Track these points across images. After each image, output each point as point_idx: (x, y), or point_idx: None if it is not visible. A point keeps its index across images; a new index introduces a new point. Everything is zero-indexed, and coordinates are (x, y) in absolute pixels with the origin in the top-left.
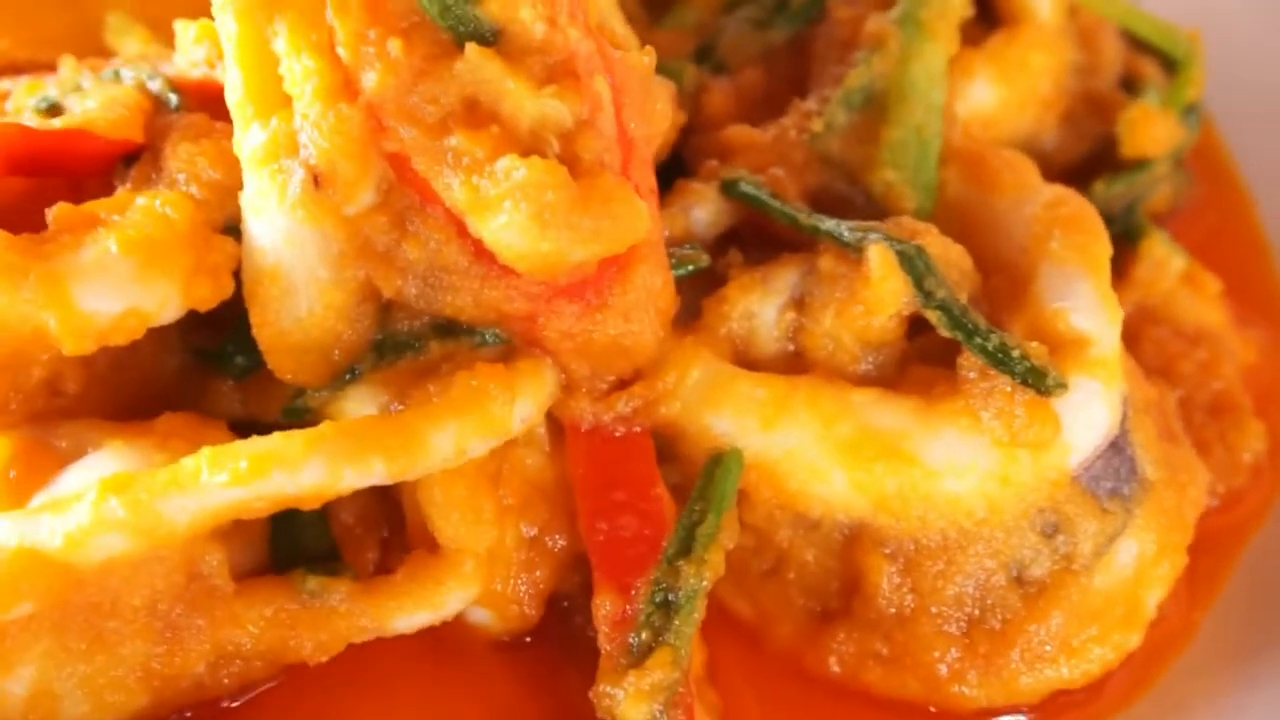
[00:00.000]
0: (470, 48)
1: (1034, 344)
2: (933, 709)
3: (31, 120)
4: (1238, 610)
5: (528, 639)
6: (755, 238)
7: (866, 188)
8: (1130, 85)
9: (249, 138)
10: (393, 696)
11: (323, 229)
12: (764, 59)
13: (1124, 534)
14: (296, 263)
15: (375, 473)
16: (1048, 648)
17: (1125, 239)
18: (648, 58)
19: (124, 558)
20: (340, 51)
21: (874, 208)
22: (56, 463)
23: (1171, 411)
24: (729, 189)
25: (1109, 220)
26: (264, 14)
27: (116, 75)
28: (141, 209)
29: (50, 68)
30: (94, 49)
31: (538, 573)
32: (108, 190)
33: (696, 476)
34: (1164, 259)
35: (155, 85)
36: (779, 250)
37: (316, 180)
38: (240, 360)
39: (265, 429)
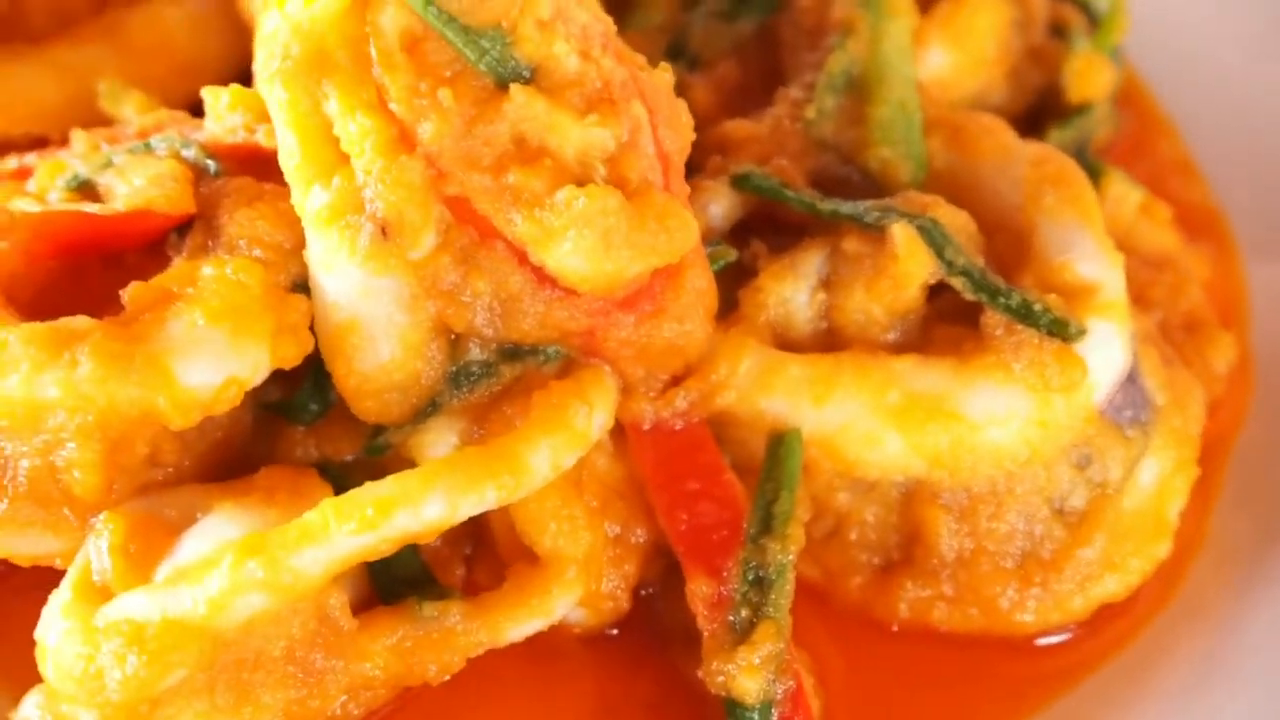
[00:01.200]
0: (515, 88)
1: (1051, 296)
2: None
3: (59, 198)
4: (1236, 508)
5: (614, 630)
6: (764, 226)
7: (862, 166)
8: (1058, 32)
9: (312, 199)
10: (497, 698)
11: (394, 276)
12: (734, 51)
13: (1144, 456)
14: (373, 312)
15: (488, 500)
16: (1093, 568)
17: None
18: (667, 74)
19: (264, 614)
20: (393, 107)
21: (871, 184)
22: (169, 532)
23: (1158, 337)
24: (742, 183)
25: None
26: (312, 79)
27: (147, 147)
28: (214, 279)
29: (50, 142)
30: (89, 118)
31: (626, 567)
32: (154, 261)
33: (747, 458)
34: (1123, 195)
35: (190, 153)
36: (785, 235)
37: (384, 231)
38: (314, 408)
39: (339, 469)
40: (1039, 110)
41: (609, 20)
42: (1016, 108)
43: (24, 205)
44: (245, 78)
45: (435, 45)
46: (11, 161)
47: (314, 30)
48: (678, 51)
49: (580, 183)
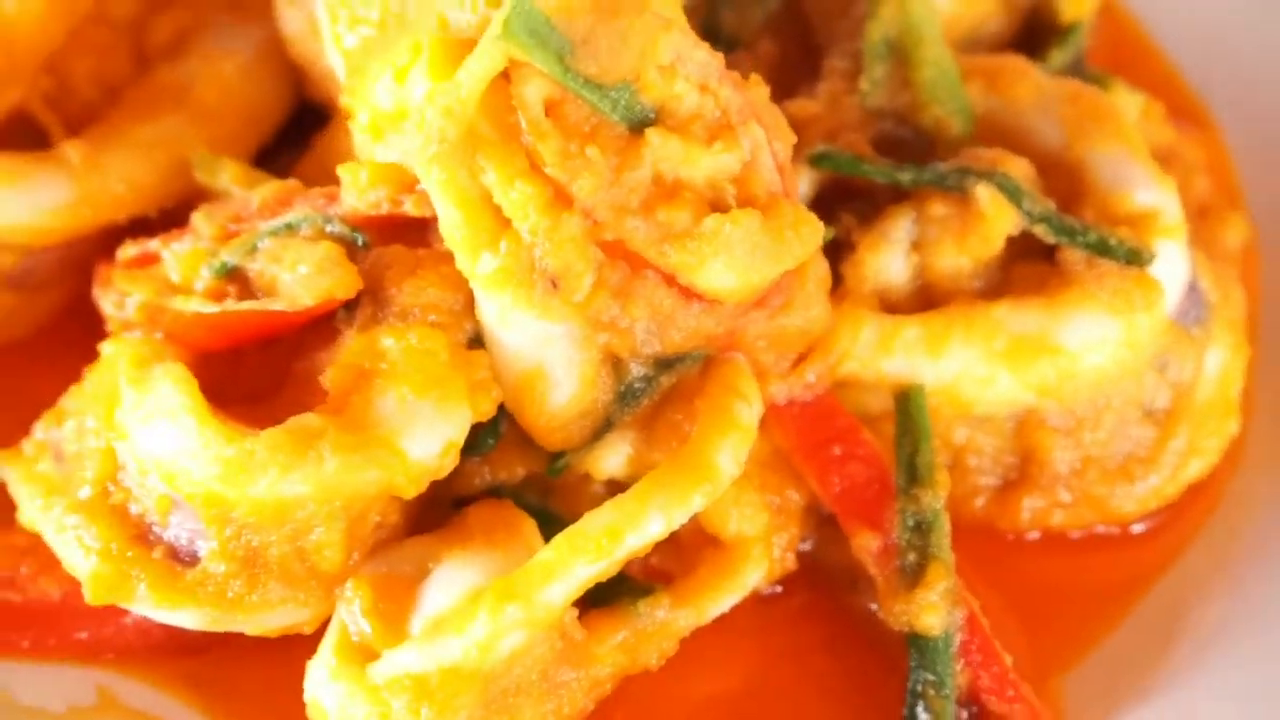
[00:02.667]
0: (650, 132)
1: (1122, 229)
2: (1101, 528)
3: (206, 286)
4: (1271, 364)
5: (779, 587)
6: (835, 195)
7: (916, 126)
8: None
9: (482, 265)
10: (692, 656)
11: (567, 321)
12: (767, 28)
13: (1207, 348)
14: (553, 357)
15: (695, 507)
16: (1180, 456)
17: None
18: (764, 88)
19: (523, 647)
20: (548, 170)
21: (926, 141)
22: (408, 586)
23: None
24: (821, 162)
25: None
26: (467, 156)
27: (289, 227)
28: (403, 350)
29: (158, 225)
30: (182, 190)
31: (791, 531)
32: (312, 334)
33: (865, 414)
34: (1128, 102)
35: (334, 229)
36: (857, 201)
37: (554, 283)
38: (490, 441)
39: (512, 490)
40: (1030, 30)
41: (719, 55)
42: (1011, 31)
43: (197, 305)
44: (301, 116)
45: (572, 105)
46: (131, 249)
47: (463, 111)
48: (713, 34)
49: (714, 205)
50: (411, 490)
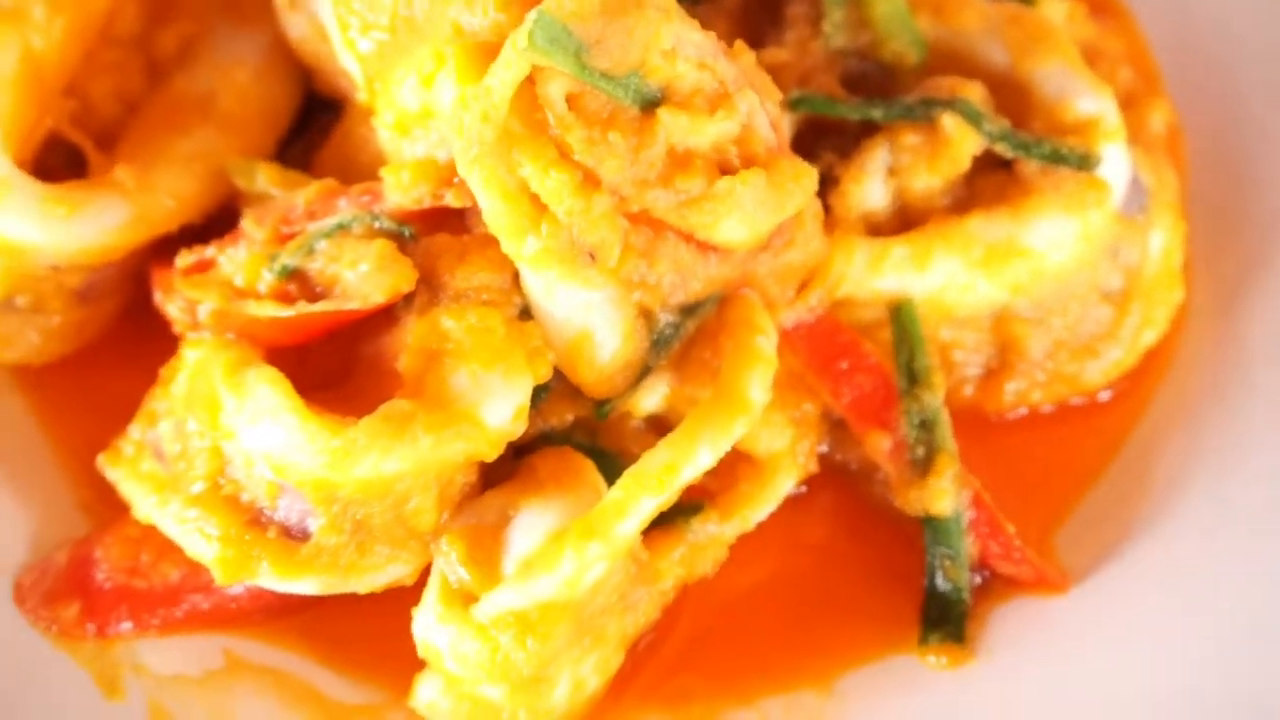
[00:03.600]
0: (662, 111)
1: (1071, 138)
2: (1074, 400)
3: (269, 288)
4: (1203, 234)
5: (804, 488)
6: (813, 133)
7: (876, 60)
8: None
9: (527, 247)
10: (735, 558)
11: (605, 287)
12: None
13: (1150, 230)
14: (596, 320)
15: (736, 436)
16: (1136, 329)
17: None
18: (749, 54)
19: (604, 576)
20: (577, 157)
21: (887, 73)
22: (493, 535)
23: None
24: (798, 105)
25: None
26: (503, 154)
27: (341, 226)
28: (465, 330)
29: (210, 232)
30: (221, 194)
31: (810, 438)
32: (380, 323)
33: (862, 326)
34: (1054, 9)
35: (382, 225)
36: (831, 137)
37: (591, 256)
38: (543, 395)
39: (562, 433)
40: None
41: (711, 33)
42: None
43: (271, 309)
44: (309, 110)
45: (590, 97)
46: (189, 258)
47: (497, 115)
48: None
49: (721, 167)
50: (493, 454)
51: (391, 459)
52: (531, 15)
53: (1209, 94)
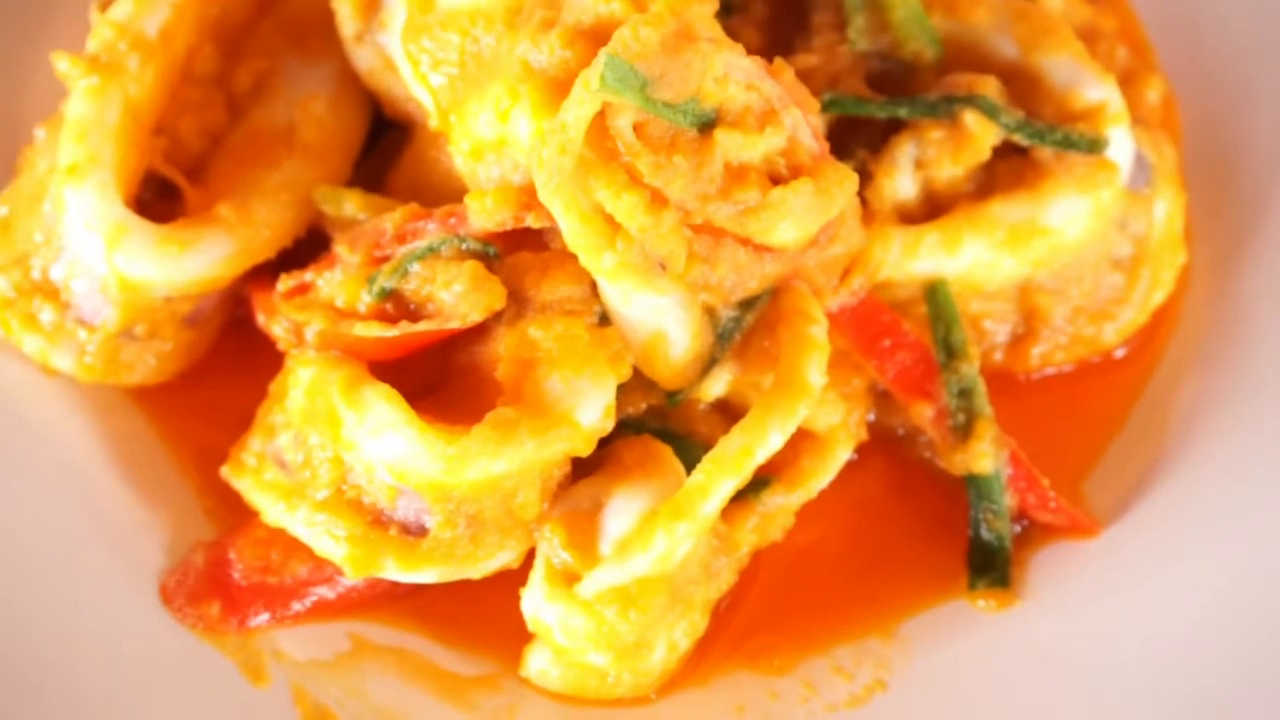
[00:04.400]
0: (719, 132)
1: (1081, 125)
2: (1093, 358)
3: (368, 308)
4: (1198, 198)
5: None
6: (844, 129)
7: (897, 60)
8: None
9: (604, 262)
10: (797, 520)
11: (675, 293)
12: None
13: (1154, 200)
14: (668, 322)
15: (800, 418)
16: (1145, 290)
17: None
18: (789, 70)
19: (691, 551)
20: (646, 180)
21: (908, 70)
22: (588, 520)
23: None
24: (830, 106)
25: None
26: (579, 183)
27: (431, 249)
28: (553, 338)
29: (304, 256)
30: (309, 219)
31: (860, 410)
32: (470, 335)
33: (900, 304)
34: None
35: (469, 246)
36: (859, 133)
37: (662, 266)
38: (619, 388)
39: (636, 420)
40: None
41: (758, 57)
42: None
43: (377, 330)
44: (375, 134)
45: (654, 124)
46: (289, 282)
47: (573, 148)
48: (725, 6)
49: (771, 177)
50: (587, 450)
51: (501, 461)
52: (602, 59)
53: (1197, 64)
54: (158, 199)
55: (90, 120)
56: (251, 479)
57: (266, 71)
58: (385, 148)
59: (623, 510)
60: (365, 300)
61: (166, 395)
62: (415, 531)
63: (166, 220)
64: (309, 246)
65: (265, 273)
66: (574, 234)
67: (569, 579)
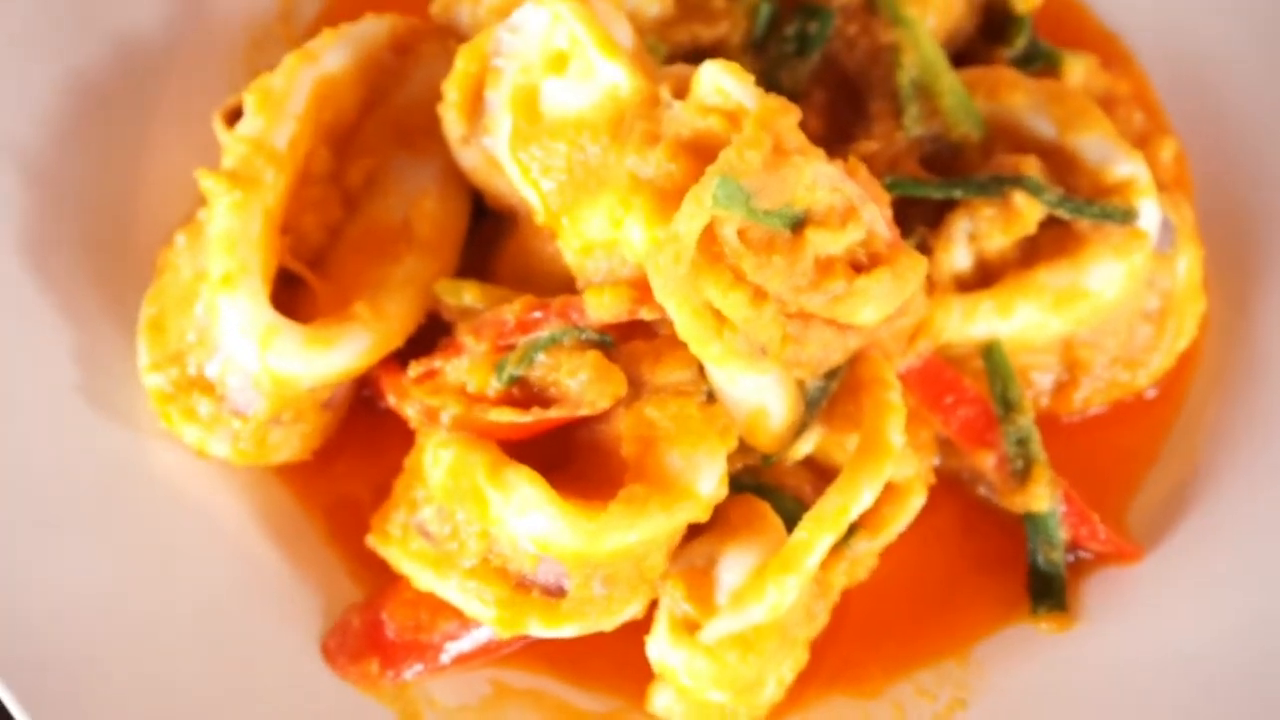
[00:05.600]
0: (810, 231)
1: (1115, 199)
2: (1128, 399)
3: (496, 392)
4: (1212, 249)
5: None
6: (903, 205)
7: (947, 141)
8: None
9: (713, 351)
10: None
11: (772, 371)
12: (814, 80)
13: (1177, 259)
14: (769, 398)
15: (886, 476)
16: (1170, 338)
17: (1048, 67)
18: (863, 167)
19: (797, 600)
20: (749, 278)
21: (956, 150)
22: (704, 574)
23: None
24: (893, 188)
25: (1030, 61)
26: (691, 284)
27: (553, 339)
28: (669, 418)
29: (415, 352)
30: (429, 309)
31: (929, 458)
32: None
33: (958, 361)
34: (1074, 65)
35: (588, 336)
36: (913, 207)
37: (764, 350)
38: None
39: (734, 478)
40: (989, 20)
41: (839, 160)
42: (975, 26)
43: (512, 415)
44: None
45: (755, 228)
46: (419, 368)
47: (686, 255)
48: (775, 89)
49: (853, 265)
50: (706, 516)
51: (635, 533)
52: (714, 180)
53: (1205, 122)
54: (282, 287)
55: (237, 232)
56: (399, 548)
57: (375, 168)
58: (485, 235)
59: (734, 566)
60: (494, 386)
61: (305, 470)
62: (555, 593)
63: (293, 308)
64: (425, 330)
65: (391, 357)
66: (686, 327)
67: (690, 627)
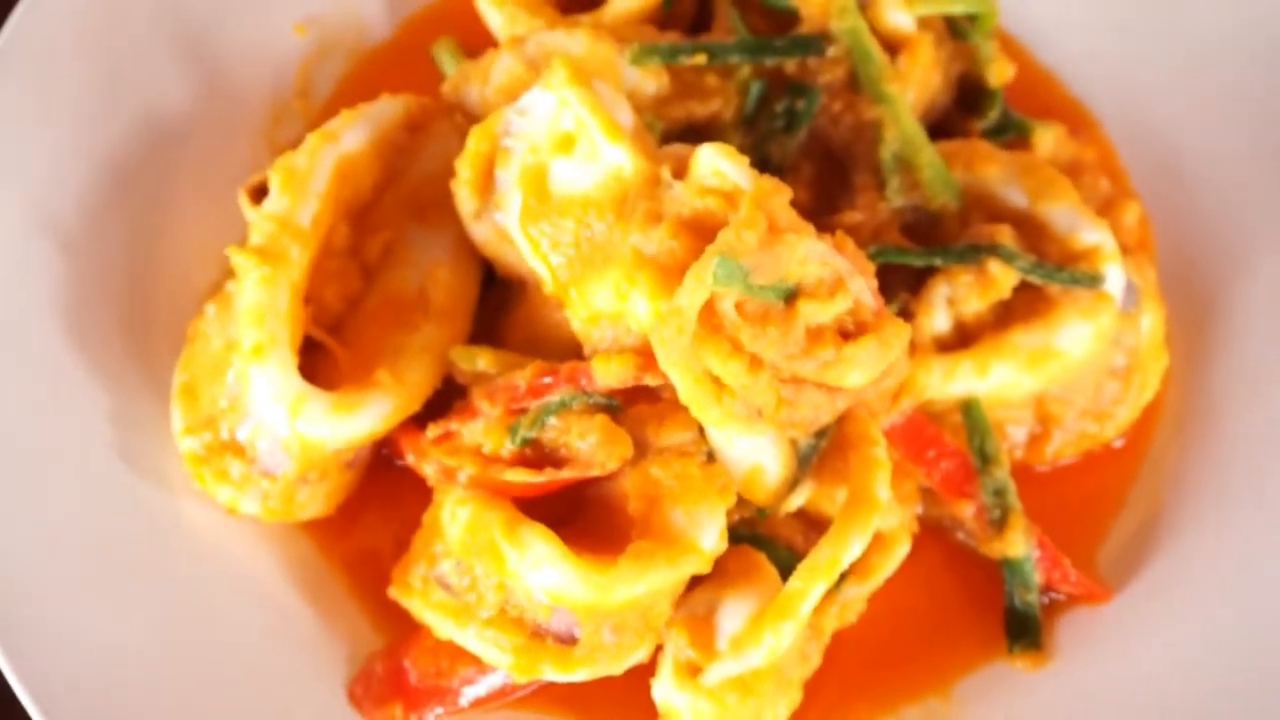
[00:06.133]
0: (801, 303)
1: (1083, 265)
2: (1096, 449)
3: (510, 453)
4: (1173, 306)
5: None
6: (887, 271)
7: (927, 211)
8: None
9: (712, 415)
10: None
11: (767, 433)
12: (802, 155)
13: (1141, 318)
14: (765, 457)
15: (873, 529)
16: (1136, 391)
17: (1020, 137)
18: (850, 240)
19: (792, 643)
20: (746, 348)
21: (936, 219)
22: (705, 621)
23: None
24: (876, 256)
25: (1003, 131)
26: (693, 357)
27: (564, 404)
28: (673, 476)
29: (430, 413)
30: (444, 373)
31: (913, 507)
32: None
33: (937, 413)
34: (1044, 135)
35: (595, 401)
36: (894, 273)
37: (759, 412)
38: None
39: (731, 532)
40: (964, 92)
41: (828, 237)
42: (951, 98)
43: (525, 476)
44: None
45: (751, 302)
46: (436, 430)
47: (688, 327)
48: (765, 163)
49: (841, 333)
50: (708, 569)
51: (642, 585)
52: (714, 259)
53: (1167, 186)
54: (305, 352)
55: (265, 305)
56: (420, 600)
57: (392, 240)
58: (495, 302)
59: (734, 613)
60: (508, 447)
61: (330, 526)
62: (568, 641)
63: (315, 372)
64: (440, 393)
65: (410, 419)
66: (688, 393)
67: (693, 671)
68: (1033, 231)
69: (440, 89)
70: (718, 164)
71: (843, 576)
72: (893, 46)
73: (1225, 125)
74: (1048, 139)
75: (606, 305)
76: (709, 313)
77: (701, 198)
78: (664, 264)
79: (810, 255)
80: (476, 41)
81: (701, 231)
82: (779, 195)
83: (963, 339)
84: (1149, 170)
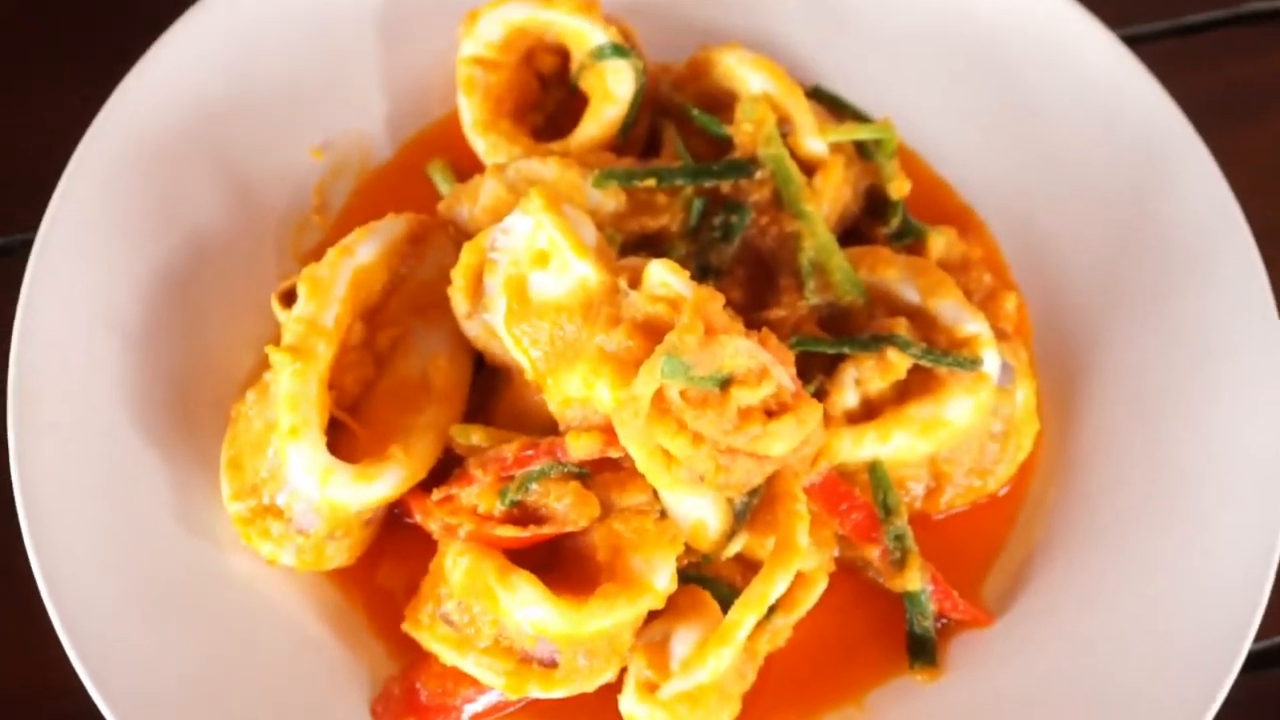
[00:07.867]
0: (734, 389)
1: (965, 350)
2: (981, 499)
3: (500, 513)
4: (1044, 380)
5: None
6: (804, 359)
7: (837, 307)
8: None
9: (664, 481)
10: None
11: (708, 494)
12: (736, 259)
13: (1016, 392)
14: (707, 513)
15: (795, 570)
16: (1013, 450)
17: (917, 241)
18: (773, 337)
19: (731, 664)
20: (690, 426)
21: (844, 313)
22: (661, 647)
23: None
24: (796, 345)
25: (903, 236)
26: (647, 432)
27: (543, 472)
28: (632, 530)
29: (434, 480)
30: (444, 447)
31: (830, 550)
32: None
33: (849, 471)
34: (937, 239)
35: (569, 469)
36: (811, 359)
37: (702, 478)
38: None
39: (682, 571)
40: (871, 202)
41: (754, 334)
42: (859, 207)
43: (513, 531)
44: (476, 373)
45: (692, 390)
46: (439, 494)
47: (642, 411)
48: (705, 268)
49: (766, 411)
50: (661, 605)
51: (609, 619)
52: (661, 357)
53: (1040, 278)
54: (329, 429)
55: (299, 394)
56: (428, 633)
57: (399, 335)
58: (485, 385)
59: (684, 640)
60: (499, 508)
61: (353, 573)
62: (550, 665)
63: (336, 445)
64: (442, 463)
65: (417, 485)
66: (644, 463)
67: (651, 688)
68: (924, 323)
69: (437, 207)
70: (665, 277)
71: (772, 609)
72: (810, 168)
73: (1088, 223)
74: (940, 242)
75: (577, 392)
76: (659, 399)
77: (652, 304)
78: (622, 359)
79: (740, 351)
80: (466, 159)
81: (652, 332)
82: (714, 302)
83: (868, 412)
84: (1027, 265)
